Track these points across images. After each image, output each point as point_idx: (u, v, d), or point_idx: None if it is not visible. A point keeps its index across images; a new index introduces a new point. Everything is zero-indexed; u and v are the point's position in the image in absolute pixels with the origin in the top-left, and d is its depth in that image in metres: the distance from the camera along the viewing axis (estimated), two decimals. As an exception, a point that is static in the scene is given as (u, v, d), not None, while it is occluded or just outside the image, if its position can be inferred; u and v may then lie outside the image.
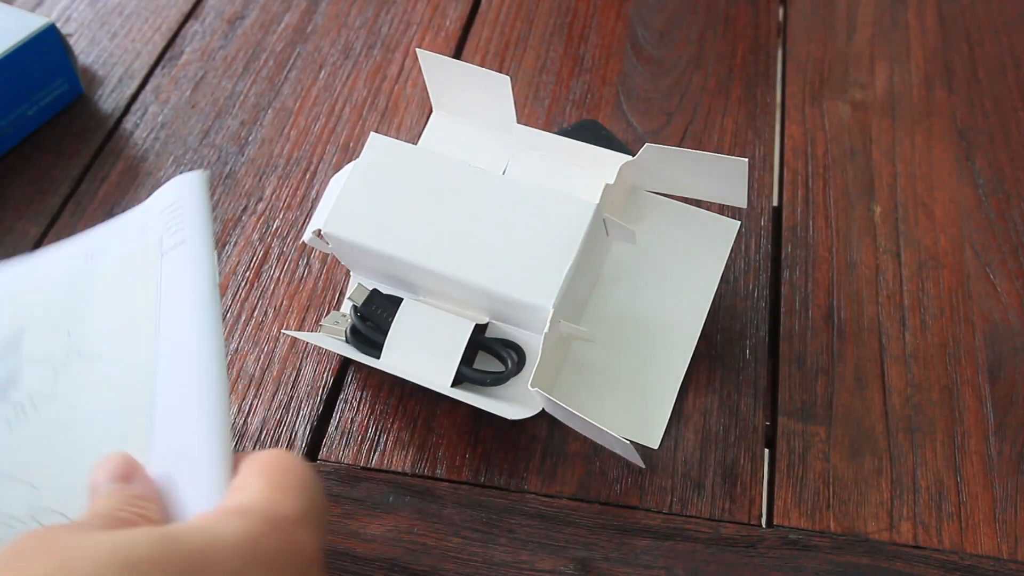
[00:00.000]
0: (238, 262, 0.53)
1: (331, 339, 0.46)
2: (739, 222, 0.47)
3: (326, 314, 0.49)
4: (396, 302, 0.45)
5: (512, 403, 0.43)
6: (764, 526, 0.42)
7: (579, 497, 0.43)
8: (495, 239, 0.43)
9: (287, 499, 0.28)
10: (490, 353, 0.45)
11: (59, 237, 0.54)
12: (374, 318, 0.45)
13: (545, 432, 0.45)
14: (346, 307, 0.48)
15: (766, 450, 0.45)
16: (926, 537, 0.42)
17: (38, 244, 0.54)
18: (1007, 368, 0.47)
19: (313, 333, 0.48)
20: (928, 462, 0.44)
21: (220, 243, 0.53)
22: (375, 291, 0.46)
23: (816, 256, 0.52)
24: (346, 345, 0.46)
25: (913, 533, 0.42)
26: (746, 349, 0.48)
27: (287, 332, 0.47)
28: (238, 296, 0.51)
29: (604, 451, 0.45)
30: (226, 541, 0.25)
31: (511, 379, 0.44)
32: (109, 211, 0.55)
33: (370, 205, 0.44)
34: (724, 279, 0.51)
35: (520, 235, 0.42)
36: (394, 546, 0.42)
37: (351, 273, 0.49)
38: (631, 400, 0.45)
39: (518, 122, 0.46)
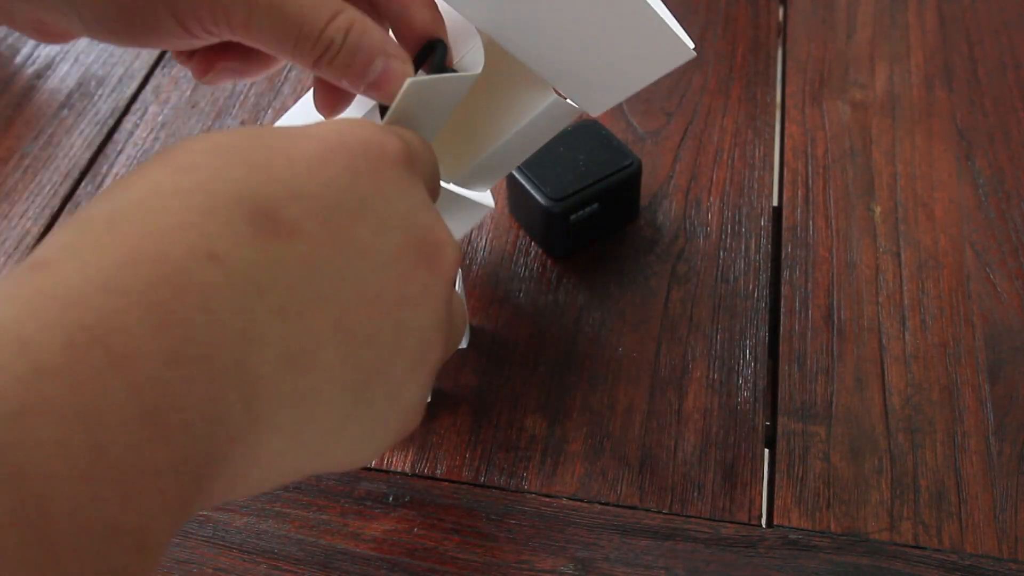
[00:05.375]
0: (238, 262, 0.53)
1: None
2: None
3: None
4: None
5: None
6: (764, 526, 0.42)
7: (579, 497, 0.43)
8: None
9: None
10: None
11: (59, 237, 0.54)
12: None
13: (545, 432, 0.45)
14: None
15: (766, 450, 0.45)
16: (926, 537, 0.42)
17: (38, 244, 0.54)
18: (1007, 368, 0.47)
19: None
20: (928, 462, 0.44)
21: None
22: None
23: (816, 256, 0.52)
24: None
25: (913, 533, 0.42)
26: (746, 349, 0.48)
27: None
28: (238, 296, 0.51)
29: (604, 451, 0.45)
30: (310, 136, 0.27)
31: None
32: (109, 211, 0.55)
33: None
34: (724, 279, 0.51)
35: None
36: (394, 546, 0.42)
37: None
38: None
39: None
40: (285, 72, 0.63)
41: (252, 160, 0.25)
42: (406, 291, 0.27)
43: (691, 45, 0.36)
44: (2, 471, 0.18)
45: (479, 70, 0.34)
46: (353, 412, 0.26)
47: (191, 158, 0.25)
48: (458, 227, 0.46)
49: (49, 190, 0.57)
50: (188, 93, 0.62)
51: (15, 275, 0.22)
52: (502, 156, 0.41)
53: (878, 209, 0.54)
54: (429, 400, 0.45)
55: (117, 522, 0.20)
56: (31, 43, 0.66)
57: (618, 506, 0.43)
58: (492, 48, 0.36)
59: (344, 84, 0.33)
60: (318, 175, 0.26)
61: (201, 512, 0.43)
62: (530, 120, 0.39)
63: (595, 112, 0.39)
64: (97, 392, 0.20)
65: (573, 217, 0.50)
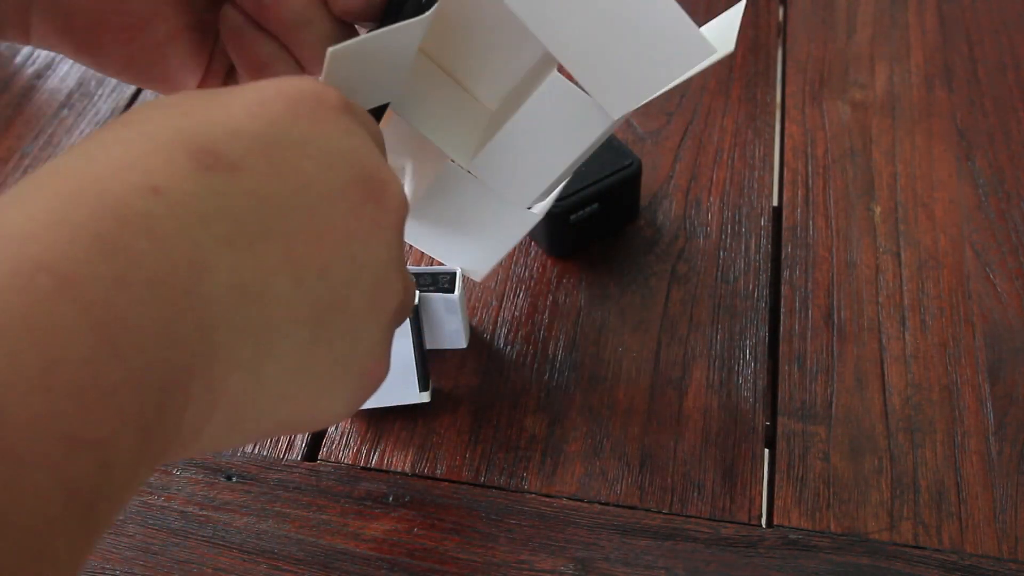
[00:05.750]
0: (238, 262, 0.53)
1: None
2: None
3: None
4: None
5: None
6: (764, 526, 0.42)
7: (579, 497, 0.43)
8: None
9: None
10: None
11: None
12: None
13: (545, 432, 0.45)
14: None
15: (766, 450, 0.45)
16: (926, 537, 0.42)
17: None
18: (1007, 368, 0.47)
19: None
20: (928, 462, 0.44)
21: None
22: None
23: (816, 256, 0.52)
24: None
25: (913, 533, 0.42)
26: (746, 349, 0.48)
27: None
28: (238, 296, 0.51)
29: (604, 451, 0.45)
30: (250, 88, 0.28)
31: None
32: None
33: None
34: (724, 279, 0.51)
35: None
36: (394, 546, 0.42)
37: None
38: None
39: None
40: (285, 72, 0.63)
41: (191, 110, 0.26)
42: (356, 226, 0.27)
43: (724, 47, 0.35)
44: None
45: (423, 16, 0.33)
46: (312, 350, 0.26)
47: (133, 116, 0.26)
48: (501, 240, 0.43)
49: (49, 190, 0.57)
50: (188, 93, 0.62)
51: None
52: (519, 148, 0.39)
53: (878, 209, 0.54)
54: (429, 400, 0.45)
55: (77, 434, 0.20)
56: (31, 43, 0.66)
57: (618, 506, 0.43)
58: (520, 33, 0.35)
59: None
60: (257, 117, 0.26)
61: (201, 511, 0.43)
62: (534, 99, 0.37)
63: (615, 113, 0.37)
64: (46, 311, 0.20)
65: (573, 217, 0.50)
